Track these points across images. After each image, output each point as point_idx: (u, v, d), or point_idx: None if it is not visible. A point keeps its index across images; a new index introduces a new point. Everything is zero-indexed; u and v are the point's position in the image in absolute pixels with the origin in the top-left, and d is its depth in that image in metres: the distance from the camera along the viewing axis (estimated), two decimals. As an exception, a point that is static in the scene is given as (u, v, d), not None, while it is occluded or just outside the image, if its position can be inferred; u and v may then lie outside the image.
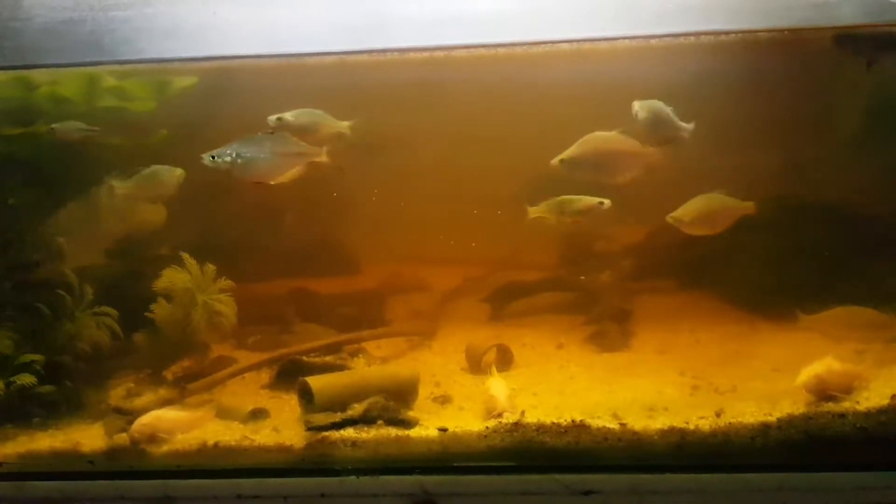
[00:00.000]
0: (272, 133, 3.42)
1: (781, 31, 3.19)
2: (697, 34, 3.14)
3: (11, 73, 3.49)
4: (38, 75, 3.60)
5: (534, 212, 3.56)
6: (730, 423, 3.04)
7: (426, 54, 3.35)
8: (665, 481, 2.98)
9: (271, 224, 4.53)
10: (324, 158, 3.45)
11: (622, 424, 3.07)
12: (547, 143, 3.93)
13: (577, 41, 3.14)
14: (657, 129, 3.37)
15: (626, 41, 3.12)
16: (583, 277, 4.48)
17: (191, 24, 3.05)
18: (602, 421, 3.08)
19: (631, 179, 3.44)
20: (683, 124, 3.41)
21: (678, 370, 3.66)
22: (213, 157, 3.30)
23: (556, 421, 3.08)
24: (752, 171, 4.03)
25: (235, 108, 3.92)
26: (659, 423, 3.08)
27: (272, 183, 3.42)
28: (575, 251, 4.52)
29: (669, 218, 3.45)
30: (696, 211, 3.47)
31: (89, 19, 2.98)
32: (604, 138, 3.41)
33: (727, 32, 3.25)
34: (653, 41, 3.14)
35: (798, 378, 3.13)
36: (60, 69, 3.49)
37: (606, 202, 3.47)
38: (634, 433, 3.05)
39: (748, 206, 3.52)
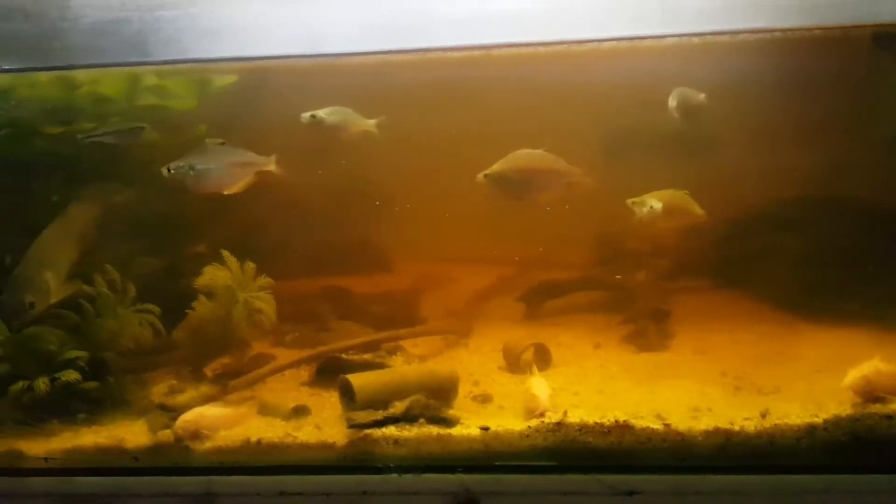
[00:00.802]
0: (222, 143, 3.47)
1: (821, 29, 3.17)
2: (736, 32, 3.10)
3: (55, 72, 3.52)
4: (80, 75, 3.63)
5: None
6: (775, 425, 3.02)
7: (463, 53, 3.35)
8: (709, 482, 2.97)
9: (304, 222, 4.55)
10: (272, 167, 3.59)
11: (666, 425, 3.05)
12: (582, 141, 3.96)
13: (619, 39, 3.12)
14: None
15: (669, 39, 3.10)
16: (619, 276, 4.46)
17: (234, 23, 3.07)
18: (646, 421, 3.07)
19: (553, 197, 3.53)
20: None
21: (719, 370, 3.63)
22: (169, 170, 3.41)
23: (599, 421, 3.08)
24: (791, 170, 4.01)
25: (273, 107, 3.94)
26: (703, 423, 3.06)
27: (225, 193, 3.54)
28: (608, 250, 4.51)
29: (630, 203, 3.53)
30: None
31: (136, 19, 3.01)
32: (529, 156, 3.48)
33: (768, 30, 3.23)
34: (694, 39, 3.12)
35: (844, 379, 3.10)
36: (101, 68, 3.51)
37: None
38: (678, 434, 3.03)
39: (701, 214, 3.62)
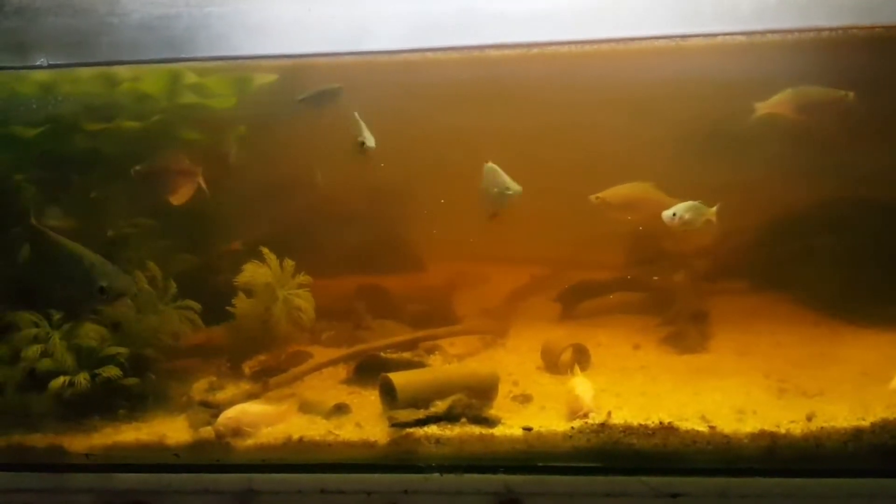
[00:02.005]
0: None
1: (873, 28, 3.11)
2: (795, 31, 3.06)
3: (98, 69, 3.53)
4: (122, 72, 3.64)
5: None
6: (822, 428, 2.99)
7: (508, 51, 3.33)
8: (755, 485, 2.94)
9: (339, 221, 4.55)
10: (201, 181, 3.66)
11: (711, 427, 3.02)
12: (628, 139, 3.93)
13: (673, 37, 3.08)
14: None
15: (727, 38, 3.06)
16: (656, 277, 4.43)
17: (283, 20, 3.06)
18: (690, 423, 3.04)
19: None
20: None
21: (762, 373, 3.59)
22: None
23: (643, 422, 3.05)
24: (835, 171, 3.97)
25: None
26: (748, 426, 3.03)
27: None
28: (645, 251, 4.47)
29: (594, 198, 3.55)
30: (622, 196, 3.55)
31: (185, 15, 3.00)
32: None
33: (816, 29, 3.19)
34: (754, 38, 3.08)
35: (891, 382, 3.07)
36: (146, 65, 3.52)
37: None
38: (724, 436, 3.01)
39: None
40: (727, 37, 3.05)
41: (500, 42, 3.12)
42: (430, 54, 3.38)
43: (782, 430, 3.00)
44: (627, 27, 3.07)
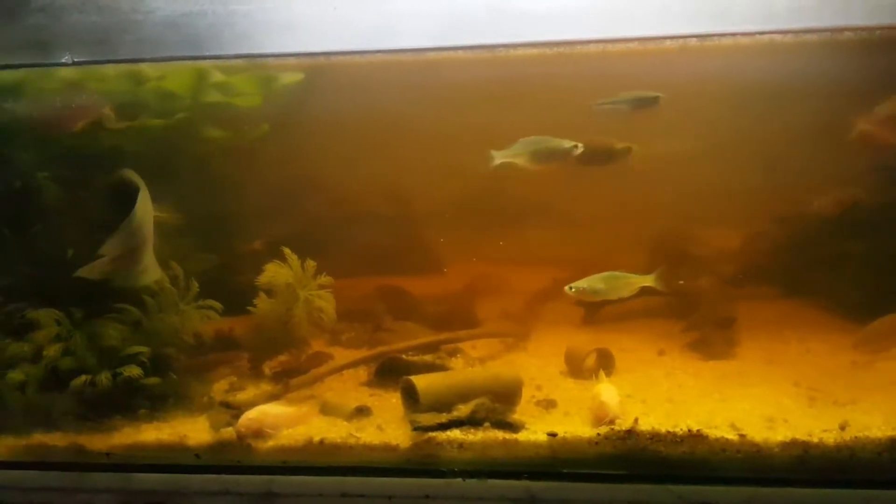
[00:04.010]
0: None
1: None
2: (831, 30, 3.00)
3: (123, 66, 3.50)
4: (147, 70, 3.61)
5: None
6: (855, 437, 2.93)
7: (535, 50, 3.28)
8: (786, 495, 2.89)
9: (358, 221, 4.52)
10: None
11: (741, 435, 2.97)
12: (657, 138, 3.87)
13: (703, 36, 3.03)
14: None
15: (761, 36, 3.00)
16: (681, 282, 4.36)
17: (308, 18, 3.02)
18: (720, 431, 2.99)
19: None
20: None
21: (792, 380, 3.53)
22: None
23: (670, 430, 3.00)
24: (866, 173, 3.90)
25: (336, 105, 3.91)
26: (780, 434, 2.98)
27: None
28: (669, 254, 4.41)
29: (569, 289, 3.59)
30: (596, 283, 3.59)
31: (210, 12, 2.98)
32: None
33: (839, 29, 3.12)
34: (788, 37, 3.02)
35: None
36: (171, 63, 3.49)
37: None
38: (754, 445, 2.95)
39: (647, 279, 3.58)
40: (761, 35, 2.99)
41: (523, 41, 3.08)
42: (455, 53, 3.33)
43: (814, 440, 2.94)
44: (653, 27, 3.03)
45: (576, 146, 3.52)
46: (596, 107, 3.63)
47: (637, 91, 3.61)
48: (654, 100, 3.59)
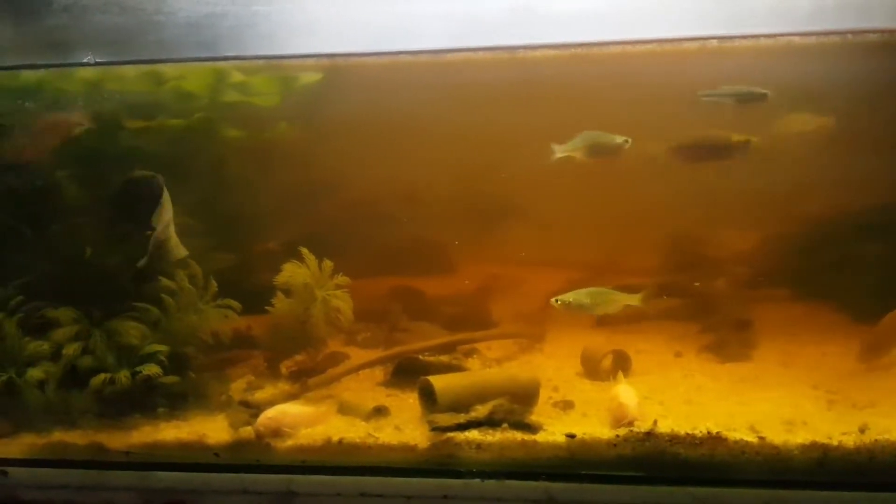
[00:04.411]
0: None
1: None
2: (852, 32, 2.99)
3: (144, 67, 3.52)
4: (167, 70, 3.63)
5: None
6: (875, 440, 2.92)
7: (557, 51, 3.28)
8: (806, 498, 2.89)
9: (375, 221, 4.52)
10: None
11: (761, 438, 2.96)
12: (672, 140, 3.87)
13: (724, 38, 3.03)
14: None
15: (784, 38, 3.00)
16: (697, 284, 4.35)
17: (329, 19, 3.03)
18: (739, 434, 2.98)
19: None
20: None
21: (810, 383, 3.53)
22: None
23: (690, 432, 3.00)
24: (880, 176, 3.88)
25: (355, 106, 3.92)
26: (799, 437, 2.97)
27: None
28: (684, 256, 4.41)
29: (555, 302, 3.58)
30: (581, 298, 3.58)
31: (231, 14, 2.99)
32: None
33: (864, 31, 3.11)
34: (810, 39, 3.02)
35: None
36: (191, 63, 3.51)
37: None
38: (774, 447, 2.94)
39: (634, 298, 3.60)
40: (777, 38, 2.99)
41: (544, 42, 3.08)
42: (473, 54, 3.34)
43: (834, 442, 2.94)
44: (674, 28, 3.03)
45: (626, 141, 3.57)
46: (701, 96, 3.63)
47: (742, 85, 3.60)
48: (763, 96, 3.59)
